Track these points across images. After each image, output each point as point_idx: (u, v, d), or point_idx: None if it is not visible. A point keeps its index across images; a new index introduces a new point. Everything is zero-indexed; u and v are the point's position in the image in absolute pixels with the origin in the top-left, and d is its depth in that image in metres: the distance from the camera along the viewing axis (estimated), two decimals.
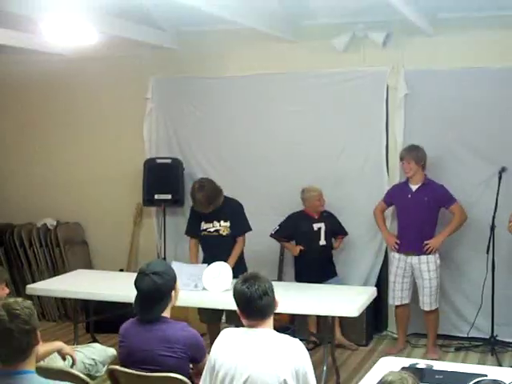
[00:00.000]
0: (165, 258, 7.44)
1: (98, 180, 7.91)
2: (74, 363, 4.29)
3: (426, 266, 6.35)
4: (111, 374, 3.87)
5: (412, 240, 6.39)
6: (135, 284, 3.81)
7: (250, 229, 6.18)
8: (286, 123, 7.19)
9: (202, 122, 7.49)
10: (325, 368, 5.36)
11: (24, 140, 8.27)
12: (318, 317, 6.35)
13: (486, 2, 6.12)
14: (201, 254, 6.35)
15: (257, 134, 7.31)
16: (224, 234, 6.06)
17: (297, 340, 3.48)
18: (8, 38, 6.75)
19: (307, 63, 7.09)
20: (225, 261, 5.81)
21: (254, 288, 3.40)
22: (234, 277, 5.57)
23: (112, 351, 4.82)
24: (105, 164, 7.89)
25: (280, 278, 6.97)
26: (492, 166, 6.50)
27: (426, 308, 6.42)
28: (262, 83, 7.23)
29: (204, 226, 6.09)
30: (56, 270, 7.70)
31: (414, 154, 6.37)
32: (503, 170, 6.39)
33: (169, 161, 7.43)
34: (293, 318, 6.56)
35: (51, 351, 4.33)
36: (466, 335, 6.74)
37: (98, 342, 6.36)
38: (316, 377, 3.48)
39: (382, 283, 6.87)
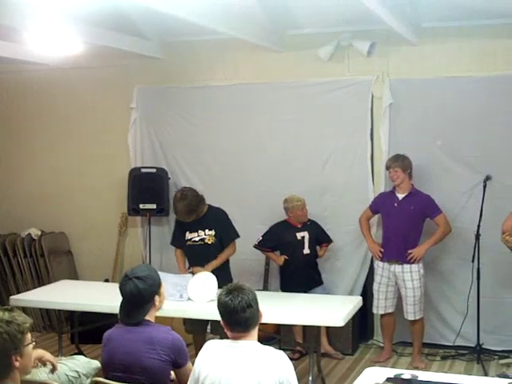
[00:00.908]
0: None
1: (83, 189, 7.89)
2: (54, 369, 4.24)
3: (410, 275, 6.34)
4: None
5: (396, 249, 6.39)
6: (119, 288, 3.81)
7: (237, 235, 6.17)
8: (272, 133, 7.20)
9: (187, 132, 7.48)
10: (310, 378, 5.32)
11: (8, 149, 8.24)
12: (304, 326, 6.35)
13: (470, 11, 6.14)
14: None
15: (242, 144, 7.31)
16: (209, 242, 6.04)
17: (281, 352, 3.47)
18: None
19: (292, 73, 7.10)
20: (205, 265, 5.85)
21: (238, 300, 3.38)
22: (219, 287, 5.56)
23: (96, 363, 4.77)
24: (89, 173, 7.86)
25: (265, 288, 6.98)
26: (477, 175, 6.52)
27: (410, 317, 6.42)
28: (247, 93, 7.24)
29: (188, 235, 6.08)
30: (41, 280, 7.67)
31: (400, 163, 6.38)
32: (488, 178, 6.40)
33: (154, 170, 7.42)
34: (278, 327, 6.56)
35: (29, 355, 4.29)
36: (452, 344, 6.73)
37: (82, 352, 6.34)
38: None
39: (368, 292, 6.87)
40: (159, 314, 3.98)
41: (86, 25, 6.11)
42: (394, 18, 5.89)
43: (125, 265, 7.74)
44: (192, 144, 7.47)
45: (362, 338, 7.04)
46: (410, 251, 6.32)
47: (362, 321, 6.83)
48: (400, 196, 6.44)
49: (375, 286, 6.54)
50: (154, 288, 3.82)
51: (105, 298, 5.64)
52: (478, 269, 6.34)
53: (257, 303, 3.47)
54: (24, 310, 6.62)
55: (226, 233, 6.11)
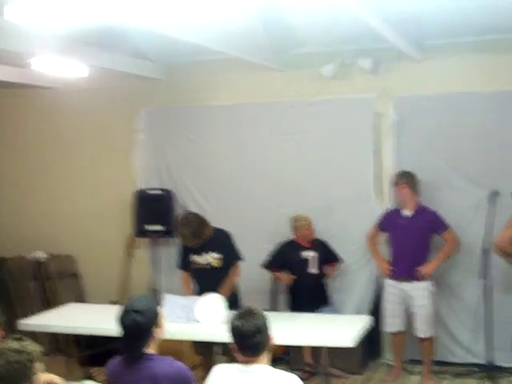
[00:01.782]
0: (157, 290, 7.40)
1: (89, 212, 7.90)
2: None
3: (419, 292, 6.32)
4: None
5: (405, 266, 6.37)
6: (118, 321, 3.75)
7: (241, 258, 6.15)
8: (276, 152, 7.20)
9: (191, 153, 7.49)
10: None
11: (15, 172, 8.27)
12: (313, 347, 6.31)
13: (473, 27, 6.15)
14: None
15: (247, 163, 7.31)
16: (216, 265, 6.01)
17: (293, 375, 3.45)
18: None
19: (296, 92, 7.11)
20: (218, 292, 5.77)
21: (249, 324, 3.38)
22: (228, 308, 5.54)
23: None
24: (96, 196, 7.88)
25: (273, 308, 6.95)
26: (483, 190, 6.50)
27: (421, 335, 6.39)
28: (251, 112, 7.26)
29: (194, 259, 6.06)
30: (47, 304, 7.63)
31: (407, 180, 6.38)
32: (494, 193, 6.39)
33: (160, 192, 7.42)
34: (287, 347, 6.52)
35: None
36: (462, 361, 6.69)
37: (91, 375, 6.31)
38: None
39: (377, 310, 6.83)
40: (168, 336, 3.94)
41: (89, 47, 6.15)
42: (398, 36, 5.90)
43: (132, 287, 7.72)
44: (197, 164, 7.48)
45: (372, 356, 6.99)
46: (419, 268, 6.29)
47: (371, 339, 6.75)
48: (406, 213, 6.43)
49: (385, 304, 6.52)
50: (153, 321, 3.75)
51: (112, 321, 5.57)
52: (488, 285, 6.32)
53: (268, 328, 3.46)
54: (32, 334, 6.64)
55: (231, 255, 6.08)
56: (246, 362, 3.44)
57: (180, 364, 3.69)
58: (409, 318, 6.49)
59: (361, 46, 6.75)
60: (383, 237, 6.77)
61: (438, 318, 6.64)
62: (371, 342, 6.80)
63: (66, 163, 8.02)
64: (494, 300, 6.39)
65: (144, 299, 4.00)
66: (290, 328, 5.42)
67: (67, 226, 8.01)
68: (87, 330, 5.93)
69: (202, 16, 5.29)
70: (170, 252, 7.48)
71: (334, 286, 6.93)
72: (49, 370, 4.79)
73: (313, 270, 6.62)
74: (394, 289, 6.44)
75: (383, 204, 6.86)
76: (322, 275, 6.70)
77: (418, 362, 6.68)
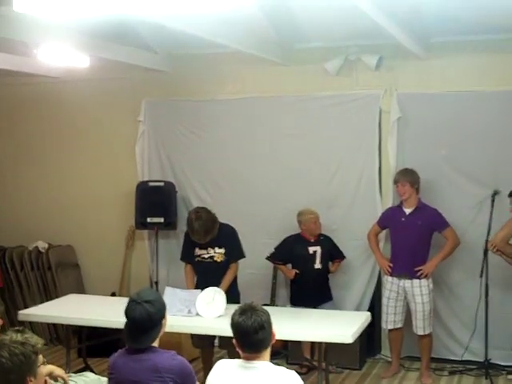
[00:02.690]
0: (157, 282, 7.42)
1: (91, 203, 7.90)
2: None
3: (419, 289, 6.33)
4: None
5: (405, 263, 6.38)
6: (126, 313, 3.74)
7: (243, 256, 6.16)
8: (279, 146, 7.19)
9: (194, 145, 7.48)
10: None
11: (16, 162, 8.26)
12: (313, 342, 6.32)
13: (478, 25, 6.13)
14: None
15: (249, 157, 7.31)
16: (219, 260, 6.02)
17: (292, 372, 3.46)
18: (2, 61, 6.76)
19: (300, 87, 7.10)
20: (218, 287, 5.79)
21: (251, 321, 3.38)
22: (228, 302, 5.55)
23: (105, 380, 4.77)
24: (97, 187, 7.87)
25: (273, 302, 6.97)
26: (485, 189, 6.51)
27: (419, 332, 6.41)
28: (254, 106, 7.25)
29: (198, 252, 6.06)
30: (48, 293, 7.67)
31: (408, 177, 6.38)
32: (496, 193, 6.41)
33: (161, 184, 7.41)
34: (286, 342, 6.54)
35: (42, 376, 4.28)
36: (459, 358, 6.72)
37: (90, 367, 6.33)
38: None
39: (375, 306, 6.85)
40: (168, 329, 3.95)
41: (94, 38, 6.14)
42: (403, 33, 5.89)
43: (132, 278, 7.76)
44: (199, 157, 7.47)
45: (370, 352, 7.01)
46: (419, 267, 6.31)
47: (370, 335, 6.80)
48: (407, 211, 6.44)
49: (384, 301, 6.53)
50: (163, 311, 3.78)
51: (112, 313, 5.61)
52: (487, 284, 6.34)
53: (270, 324, 3.47)
54: (31, 324, 6.68)
55: (234, 251, 6.09)
56: (248, 358, 3.45)
57: (182, 358, 3.71)
58: (407, 314, 6.50)
59: (366, 43, 6.73)
60: (384, 233, 6.78)
61: (436, 316, 6.67)
62: (369, 338, 6.84)
63: (69, 153, 8.00)
64: (492, 299, 6.40)
65: (151, 291, 4.04)
66: (289, 323, 5.42)
67: (68, 216, 8.01)
68: (87, 322, 5.93)
69: (208, 9, 5.28)
70: (171, 244, 7.52)
71: (334, 281, 6.92)
72: (48, 360, 4.80)
73: (317, 265, 6.63)
74: (393, 285, 6.45)
75: (386, 201, 6.85)
76: (325, 271, 6.72)
77: (416, 359, 6.70)
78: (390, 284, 6.47)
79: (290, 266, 6.79)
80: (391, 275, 6.47)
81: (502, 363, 6.56)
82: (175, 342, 6.19)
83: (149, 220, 7.40)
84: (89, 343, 6.63)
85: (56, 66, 6.64)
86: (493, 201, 6.39)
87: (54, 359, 6.68)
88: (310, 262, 6.62)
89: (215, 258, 6.02)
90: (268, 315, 3.48)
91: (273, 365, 3.47)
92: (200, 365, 6.16)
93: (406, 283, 6.37)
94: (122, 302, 3.83)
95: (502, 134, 6.53)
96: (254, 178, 7.29)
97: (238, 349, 3.50)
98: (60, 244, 7.97)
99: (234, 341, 3.50)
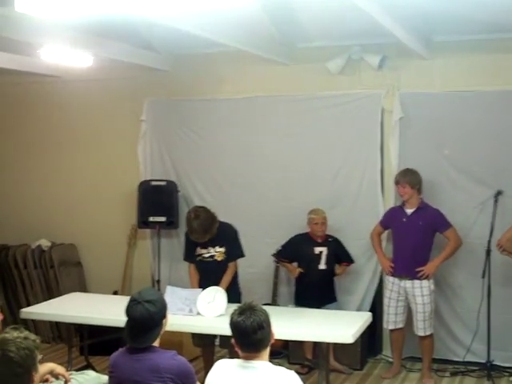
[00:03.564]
0: (159, 281, 7.43)
1: (93, 201, 7.92)
2: (66, 382, 4.24)
3: (420, 290, 6.32)
4: None
5: (406, 264, 6.36)
6: (127, 312, 3.74)
7: (243, 255, 6.16)
8: (281, 146, 7.19)
9: (196, 144, 7.48)
10: None
11: (19, 160, 8.28)
12: (314, 342, 6.32)
13: (481, 25, 6.12)
14: None
15: (250, 157, 7.31)
16: (219, 259, 6.02)
17: (292, 372, 3.45)
18: (5, 60, 6.78)
19: (302, 86, 7.10)
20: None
21: (250, 321, 3.37)
22: (229, 301, 5.55)
23: (106, 378, 4.77)
24: (100, 185, 7.88)
25: (274, 302, 6.97)
26: (487, 190, 6.50)
27: (420, 333, 6.39)
28: (256, 106, 7.24)
29: (199, 251, 6.06)
30: (50, 292, 7.69)
31: (408, 178, 6.36)
32: (499, 193, 6.40)
33: (163, 183, 7.42)
34: (286, 342, 6.53)
35: (43, 373, 4.29)
36: (461, 359, 6.70)
37: (91, 365, 6.34)
38: None
39: (377, 307, 6.84)
40: (169, 328, 3.95)
41: (97, 38, 6.14)
42: (405, 32, 5.89)
43: (134, 277, 7.77)
44: (201, 156, 7.47)
45: (371, 352, 6.99)
46: (420, 268, 6.29)
47: (371, 335, 6.78)
48: (409, 211, 6.43)
49: (385, 301, 6.52)
50: (163, 311, 3.79)
51: (114, 311, 5.58)
52: (489, 285, 6.33)
53: (269, 324, 3.46)
54: (34, 322, 6.70)
55: (233, 250, 6.09)
56: (247, 358, 3.45)
57: (182, 358, 3.71)
58: (409, 315, 6.49)
59: (368, 42, 6.73)
60: (386, 233, 6.77)
61: (438, 317, 6.65)
62: (371, 338, 6.83)
63: (71, 152, 8.02)
64: (495, 299, 6.39)
65: (152, 290, 4.04)
66: (290, 323, 5.43)
67: (71, 215, 8.03)
68: (89, 320, 5.94)
69: (209, 8, 5.28)
70: (172, 243, 7.53)
71: (337, 280, 6.90)
72: (50, 358, 4.83)
73: (322, 265, 6.62)
74: (394, 286, 6.44)
75: (388, 201, 6.85)
76: (330, 272, 6.70)
77: (418, 360, 6.68)
78: (391, 284, 6.46)
79: (295, 264, 6.78)
80: (392, 275, 6.46)
81: (505, 364, 6.53)
82: (176, 340, 6.20)
83: (151, 219, 7.41)
84: (90, 341, 6.64)
85: (58, 66, 6.64)
86: (495, 201, 6.38)
87: (55, 357, 6.69)
88: (314, 262, 6.62)
89: (216, 257, 6.02)
90: (267, 315, 3.48)
91: (272, 364, 3.47)
92: (201, 364, 6.16)
93: (407, 284, 6.36)
94: (123, 301, 3.83)
95: (506, 134, 6.51)
96: (256, 177, 7.28)
97: (236, 348, 3.50)
98: (63, 242, 7.98)
99: (232, 340, 3.50)
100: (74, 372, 4.94)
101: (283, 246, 6.79)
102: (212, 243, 6.00)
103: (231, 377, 3.42)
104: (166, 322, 3.84)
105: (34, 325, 7.42)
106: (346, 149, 7.00)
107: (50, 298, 7.12)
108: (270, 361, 3.52)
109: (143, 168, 7.64)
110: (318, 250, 6.64)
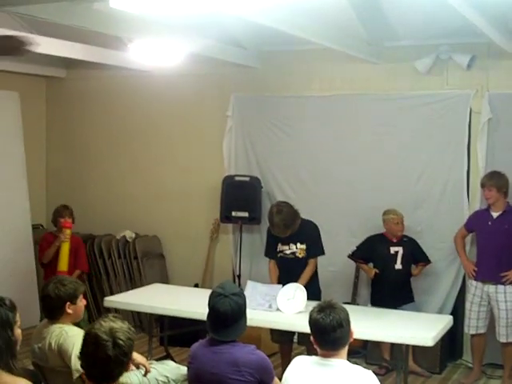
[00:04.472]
0: (239, 276, 7.48)
1: (177, 195, 8.04)
2: (147, 372, 4.33)
3: (503, 295, 6.19)
4: None
5: (490, 268, 6.25)
6: (213, 307, 3.76)
7: (323, 253, 6.16)
8: (366, 144, 7.15)
9: (281, 141, 7.51)
10: None
11: (107, 153, 8.49)
12: (392, 343, 6.26)
13: None
14: None
15: (336, 155, 7.28)
16: (300, 256, 6.03)
17: (369, 372, 3.45)
18: (93, 54, 6.96)
19: (389, 85, 7.04)
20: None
21: (329, 319, 3.39)
22: (308, 298, 5.56)
23: (185, 369, 4.82)
24: (184, 179, 8.00)
25: (354, 301, 6.93)
26: None
27: (502, 340, 6.26)
28: (342, 104, 7.21)
29: (280, 247, 6.09)
30: (133, 282, 7.85)
31: (495, 181, 6.24)
32: None
33: (247, 179, 7.48)
34: (365, 342, 6.49)
35: None
36: None
37: (171, 355, 6.45)
38: None
39: (458, 310, 6.73)
40: (248, 323, 3.97)
41: (186, 34, 6.23)
42: (496, 31, 5.77)
43: (215, 271, 7.85)
44: (285, 153, 7.49)
45: (451, 357, 6.88)
46: (505, 273, 6.16)
47: (451, 339, 6.67)
48: (494, 214, 6.30)
49: (467, 306, 6.41)
50: (246, 304, 3.85)
51: (195, 304, 5.69)
52: None
53: (348, 323, 3.46)
54: (116, 310, 6.84)
55: (314, 247, 6.08)
56: (325, 356, 3.46)
57: (261, 353, 3.74)
58: (491, 320, 6.37)
59: (457, 41, 6.61)
60: (469, 237, 6.65)
61: None
62: (452, 341, 6.72)
63: (158, 146, 8.16)
64: None
65: (233, 284, 4.09)
66: (369, 323, 5.39)
67: (155, 207, 8.18)
68: (170, 311, 6.02)
69: (297, 5, 5.31)
70: (254, 239, 7.57)
71: (417, 283, 6.83)
72: None
73: (398, 265, 6.57)
74: (477, 290, 6.33)
75: (474, 203, 6.72)
76: (407, 272, 6.64)
77: (499, 367, 6.54)
78: (474, 288, 6.35)
79: (371, 265, 6.75)
80: (475, 279, 6.35)
81: None
82: (255, 336, 6.24)
83: (233, 214, 7.47)
84: (170, 332, 6.76)
85: (148, 61, 6.77)
86: None
87: (136, 346, 6.68)
88: (390, 262, 6.56)
89: (297, 254, 6.03)
90: (347, 313, 3.48)
91: (349, 363, 3.47)
92: (278, 360, 6.19)
93: (491, 288, 6.24)
94: (204, 294, 3.89)
95: None
96: (340, 175, 7.25)
97: (315, 346, 3.51)
98: (146, 234, 8.14)
99: (311, 338, 3.51)
100: (154, 361, 5.05)
101: (358, 247, 6.75)
102: (293, 240, 6.01)
103: (309, 374, 3.44)
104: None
105: (116, 313, 7.58)
106: (432, 149, 6.90)
107: (133, 288, 7.30)
108: (348, 360, 3.52)
109: (227, 163, 7.71)
110: (393, 249, 6.58)
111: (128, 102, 8.25)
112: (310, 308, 3.62)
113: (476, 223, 6.45)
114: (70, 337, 3.98)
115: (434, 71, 6.81)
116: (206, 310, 3.89)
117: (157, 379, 4.60)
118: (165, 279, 8.04)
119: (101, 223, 8.25)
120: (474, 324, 6.38)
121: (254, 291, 5.69)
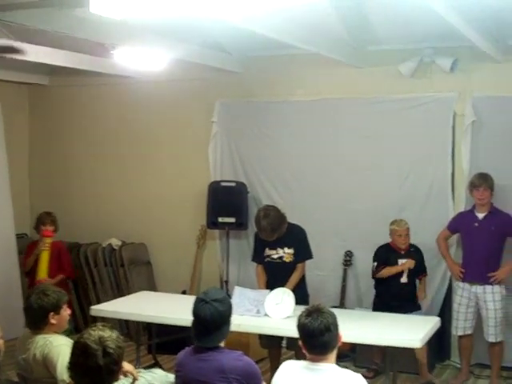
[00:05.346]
0: (227, 281, 7.48)
1: (163, 202, 8.02)
2: (135, 380, 4.30)
3: (491, 296, 6.22)
4: None
5: (477, 269, 6.27)
6: (195, 313, 3.75)
7: (311, 256, 6.15)
8: (351, 149, 7.17)
9: (266, 146, 7.52)
10: None
11: (91, 160, 8.45)
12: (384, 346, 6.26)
13: None
14: None
15: (320, 159, 7.30)
16: (287, 260, 6.02)
17: (358, 375, 3.45)
18: (77, 61, 6.94)
19: (373, 89, 7.07)
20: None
21: (317, 323, 3.39)
22: (296, 303, 5.56)
23: (172, 377, 4.82)
24: (170, 186, 7.99)
25: (342, 305, 6.94)
26: None
27: (491, 339, 6.29)
28: (327, 108, 7.23)
29: (268, 252, 6.08)
30: (120, 290, 7.82)
31: (489, 183, 6.28)
32: None
33: (233, 184, 7.48)
34: (354, 345, 6.47)
35: None
36: None
37: (159, 363, 6.42)
38: None
39: (445, 312, 6.75)
40: (236, 329, 3.96)
41: (169, 40, 6.22)
42: (479, 35, 5.80)
43: (202, 277, 7.84)
44: (271, 158, 7.50)
45: (439, 358, 6.90)
46: (492, 274, 6.20)
47: (439, 341, 6.68)
48: (480, 215, 6.33)
49: (455, 307, 6.44)
50: (231, 310, 3.80)
51: (182, 311, 5.60)
52: None
53: (336, 327, 3.47)
54: (103, 319, 6.81)
55: (302, 251, 6.08)
56: (314, 360, 3.46)
57: (248, 359, 3.71)
58: (478, 321, 6.39)
59: (440, 45, 6.66)
60: (455, 238, 6.68)
61: (509, 323, 6.52)
62: (439, 343, 6.73)
63: (142, 153, 8.15)
64: None
65: (217, 290, 4.06)
66: (356, 326, 5.39)
67: (141, 214, 8.16)
68: (157, 319, 6.00)
69: (281, 10, 5.32)
70: (241, 244, 7.57)
71: None
72: None
73: (404, 279, 6.40)
74: (464, 291, 6.35)
75: (458, 205, 6.75)
76: (412, 285, 6.46)
77: (487, 367, 6.57)
78: (462, 290, 6.37)
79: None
80: (463, 281, 6.37)
81: None
82: (243, 341, 6.24)
83: (220, 220, 7.46)
84: (159, 340, 6.73)
85: (131, 67, 6.76)
86: None
87: (124, 355, 6.79)
88: (396, 275, 6.37)
89: (284, 259, 6.03)
90: (334, 317, 3.48)
91: (338, 367, 3.47)
92: (267, 365, 6.18)
93: (478, 289, 6.26)
94: (192, 301, 3.87)
95: None
96: (325, 179, 7.27)
97: (303, 350, 3.51)
98: (133, 242, 8.11)
99: (299, 342, 3.51)
100: (142, 370, 5.03)
101: (376, 261, 6.45)
102: (280, 244, 6.01)
103: (298, 378, 3.44)
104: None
105: (102, 321, 7.54)
106: (417, 152, 6.93)
107: (120, 296, 7.26)
108: (337, 363, 3.52)
109: (213, 169, 7.71)
110: (401, 262, 6.40)
111: (112, 109, 8.24)
112: (298, 312, 3.62)
113: (461, 224, 6.48)
114: (55, 347, 3.95)
115: (417, 74, 6.85)
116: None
117: None
118: (152, 286, 8.01)
119: (87, 231, 8.21)
120: (461, 325, 6.40)
121: (242, 297, 5.68)
